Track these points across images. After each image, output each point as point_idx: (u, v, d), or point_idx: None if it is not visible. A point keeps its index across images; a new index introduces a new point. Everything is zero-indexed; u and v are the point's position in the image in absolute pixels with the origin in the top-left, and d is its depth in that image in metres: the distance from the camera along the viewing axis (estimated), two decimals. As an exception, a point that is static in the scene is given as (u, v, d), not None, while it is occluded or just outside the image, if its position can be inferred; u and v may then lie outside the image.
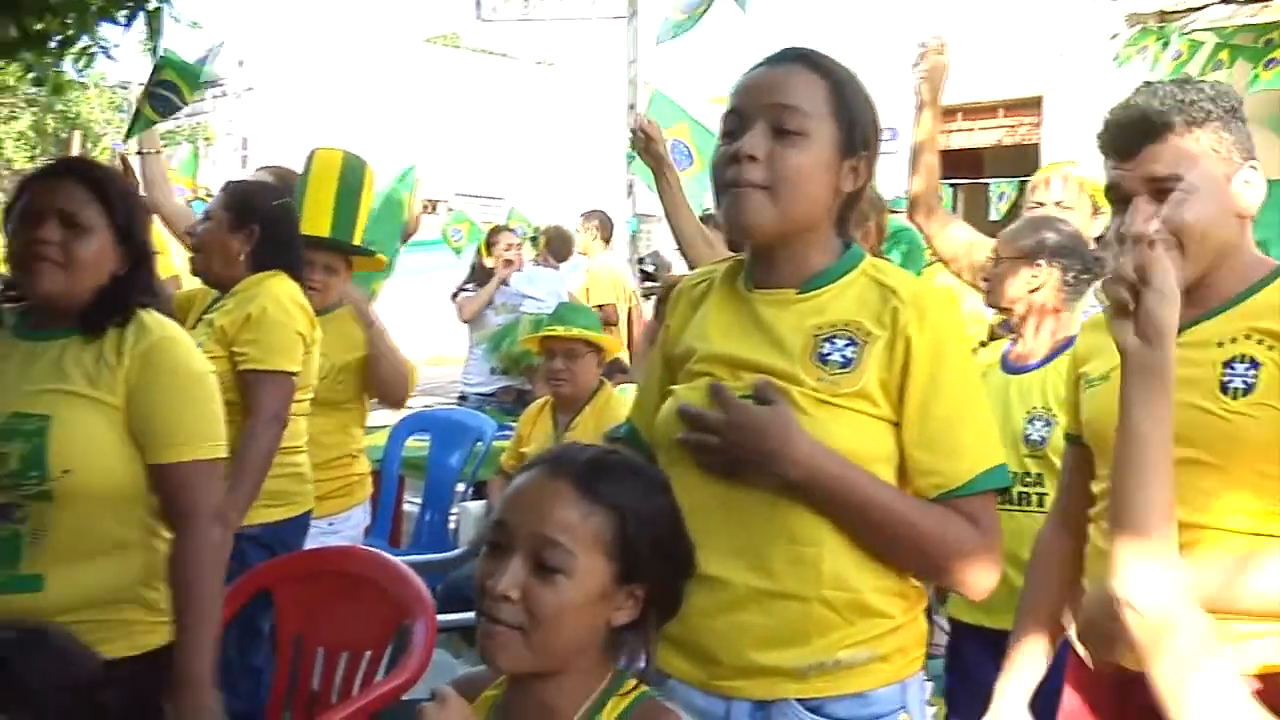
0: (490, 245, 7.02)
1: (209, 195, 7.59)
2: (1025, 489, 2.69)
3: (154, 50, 2.51)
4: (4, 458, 2.01)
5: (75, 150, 12.27)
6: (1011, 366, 2.86)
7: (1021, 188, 9.11)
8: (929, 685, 1.81)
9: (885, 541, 1.65)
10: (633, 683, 1.49)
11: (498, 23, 12.03)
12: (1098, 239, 3.15)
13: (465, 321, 6.95)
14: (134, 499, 2.14)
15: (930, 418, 1.64)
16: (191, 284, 3.86)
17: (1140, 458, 1.37)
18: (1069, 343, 2.61)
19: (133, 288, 2.19)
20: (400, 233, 5.78)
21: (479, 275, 7.02)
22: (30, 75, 2.45)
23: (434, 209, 21.20)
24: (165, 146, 8.89)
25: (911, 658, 1.72)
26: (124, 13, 2.23)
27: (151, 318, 2.19)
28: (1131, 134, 1.74)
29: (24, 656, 1.69)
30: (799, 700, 1.64)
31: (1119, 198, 1.78)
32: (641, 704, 1.46)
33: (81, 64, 2.50)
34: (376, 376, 3.73)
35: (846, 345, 1.65)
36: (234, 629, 2.89)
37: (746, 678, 1.65)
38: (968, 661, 2.83)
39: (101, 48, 2.50)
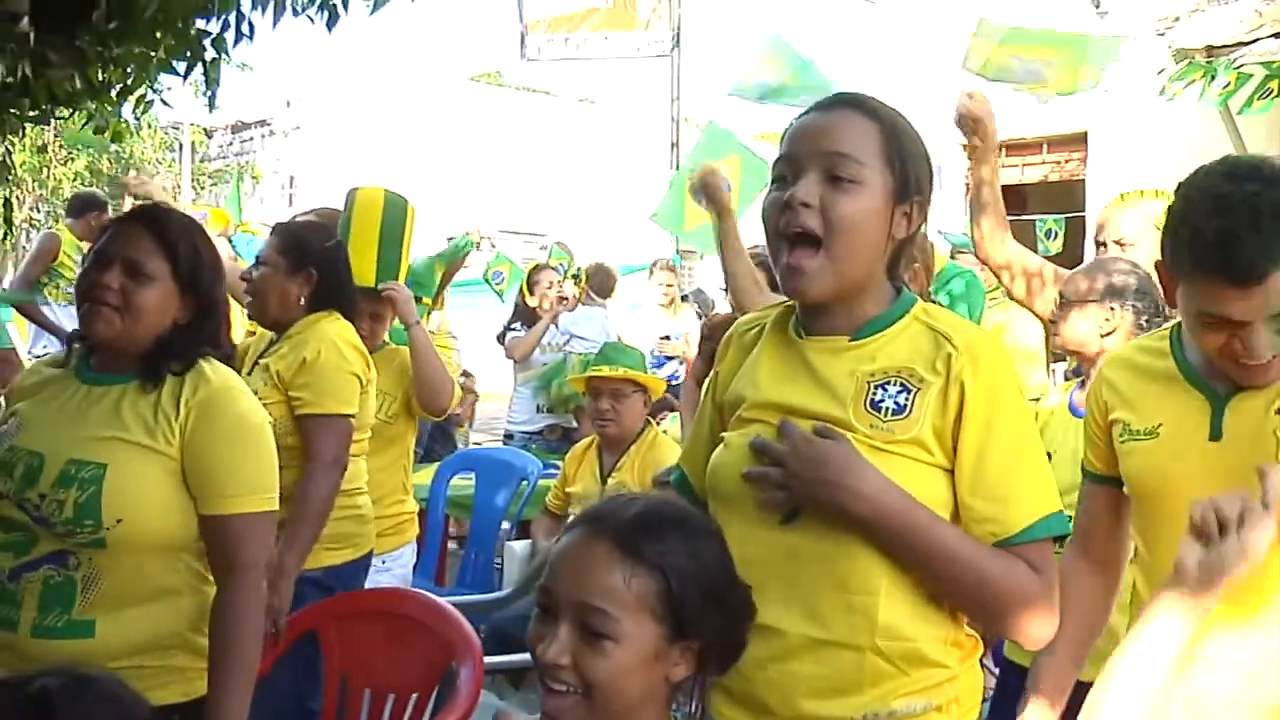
0: (532, 285, 7.02)
1: (253, 231, 7.70)
2: None
3: (211, 100, 2.56)
4: (60, 505, 2.02)
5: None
6: (1080, 411, 2.81)
7: (1068, 224, 9.08)
8: None
9: (947, 583, 1.63)
10: None
11: (541, 61, 12.18)
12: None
13: (516, 361, 6.95)
14: (185, 548, 2.15)
15: (985, 465, 1.62)
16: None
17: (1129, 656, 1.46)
18: None
19: (196, 338, 2.19)
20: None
21: (523, 314, 7.02)
22: (91, 123, 2.51)
23: (478, 246, 21.40)
24: (213, 185, 9.03)
25: (966, 708, 1.69)
26: (183, 63, 2.27)
27: (212, 368, 2.19)
28: (1252, 260, 1.66)
29: (68, 702, 1.70)
30: None
31: (1216, 322, 1.74)
32: None
33: (139, 110, 2.55)
34: (419, 377, 3.67)
35: (900, 392, 1.63)
36: (290, 671, 2.91)
37: None
38: (1013, 703, 2.79)
39: (158, 95, 2.55)
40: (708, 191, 3.30)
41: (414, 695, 2.77)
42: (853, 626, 1.61)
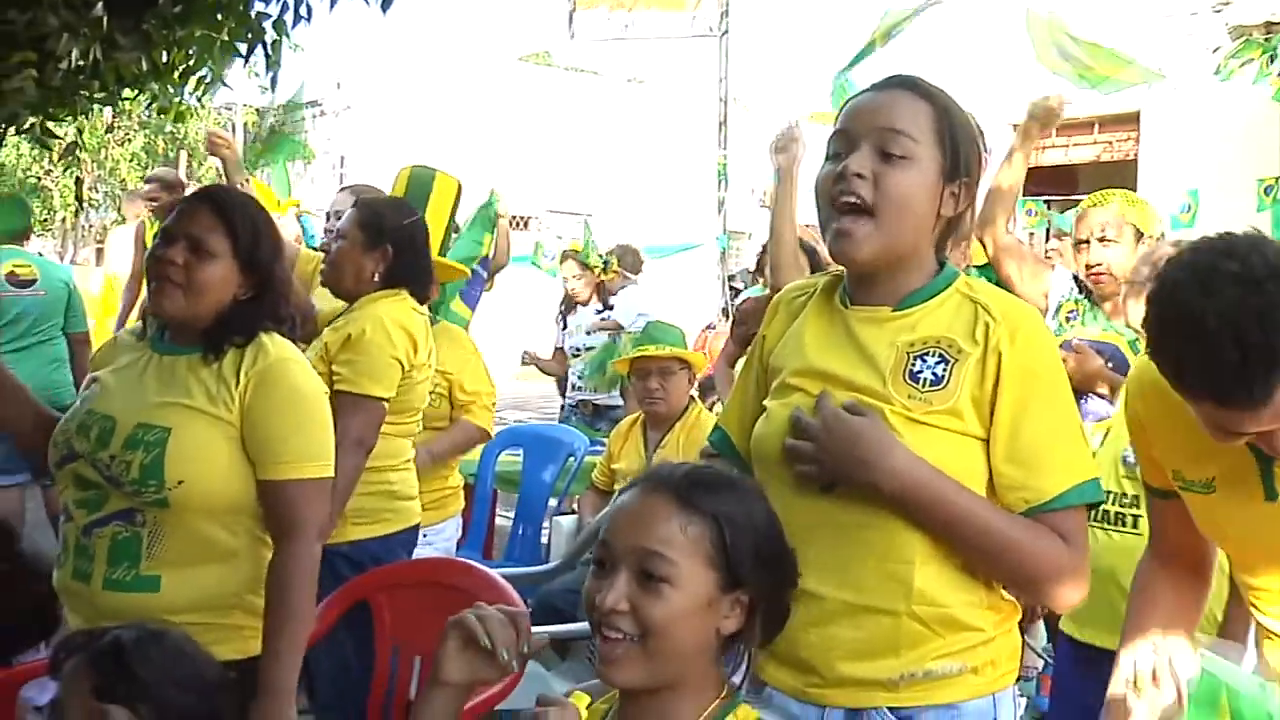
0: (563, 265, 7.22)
1: (306, 211, 7.81)
2: (1122, 509, 2.67)
3: (273, 82, 2.63)
4: (128, 465, 2.13)
5: (182, 171, 12.69)
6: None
7: (1119, 204, 8.98)
8: (1022, 701, 1.81)
9: (977, 553, 1.67)
10: (747, 708, 1.52)
11: (589, 41, 12.20)
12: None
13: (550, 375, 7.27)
14: (244, 510, 2.23)
15: (1020, 434, 1.65)
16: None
17: None
18: None
19: (257, 312, 2.27)
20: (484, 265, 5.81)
21: (567, 300, 7.18)
22: (155, 104, 2.59)
23: (525, 225, 21.46)
24: (265, 167, 9.15)
25: (1003, 671, 1.73)
26: (244, 45, 2.34)
27: (272, 340, 2.27)
28: (1250, 388, 1.49)
29: (140, 652, 1.78)
30: (890, 709, 1.67)
31: (1230, 434, 1.59)
32: None
33: (200, 92, 2.62)
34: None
35: (938, 363, 1.67)
36: (350, 640, 2.99)
37: (839, 687, 1.69)
38: (1065, 679, 2.83)
39: (219, 77, 2.62)
40: (783, 145, 3.34)
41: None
42: (889, 592, 1.66)
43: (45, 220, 23.99)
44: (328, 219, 4.66)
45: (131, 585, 2.16)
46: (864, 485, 1.64)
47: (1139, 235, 3.35)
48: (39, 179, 22.43)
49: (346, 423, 2.98)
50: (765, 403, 1.83)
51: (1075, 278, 3.61)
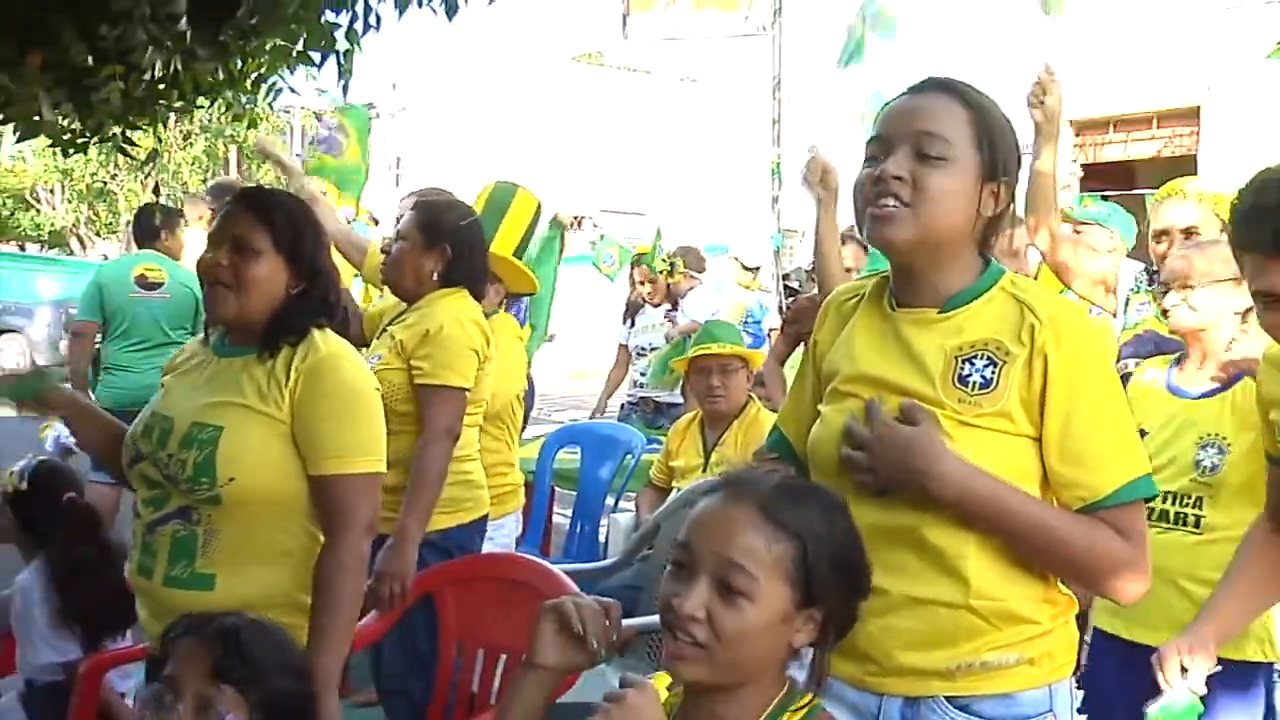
0: (633, 272, 7.24)
1: (372, 219, 7.92)
2: (1183, 509, 2.66)
3: (345, 89, 2.69)
4: (183, 464, 2.17)
5: (234, 171, 12.91)
6: (1178, 390, 2.79)
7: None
8: (1079, 694, 1.84)
9: (1035, 553, 1.70)
10: (808, 696, 1.54)
11: (641, 41, 12.20)
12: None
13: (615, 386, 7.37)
14: (296, 508, 2.26)
15: (1071, 432, 1.67)
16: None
17: None
18: (1242, 372, 2.62)
19: (305, 307, 2.30)
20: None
21: (633, 305, 7.22)
22: (229, 111, 2.66)
23: (579, 225, 21.57)
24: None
25: (1060, 663, 1.75)
26: (316, 54, 2.40)
27: (322, 336, 2.30)
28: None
29: (255, 640, 1.86)
30: (947, 698, 1.70)
31: (1269, 300, 1.86)
32: (815, 717, 1.52)
33: (269, 98, 2.69)
34: None
35: (986, 366, 1.69)
36: (416, 633, 3.07)
37: (897, 676, 1.72)
38: (1097, 673, 2.81)
39: (286, 83, 2.70)
40: (818, 176, 3.38)
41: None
42: (947, 587, 1.69)
43: (110, 224, 24.51)
44: (396, 223, 4.76)
45: (188, 583, 2.20)
46: (916, 491, 1.67)
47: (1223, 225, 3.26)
48: (105, 183, 22.92)
49: (433, 414, 3.11)
50: (820, 408, 1.85)
51: (1146, 268, 3.58)
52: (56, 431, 7.57)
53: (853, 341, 1.84)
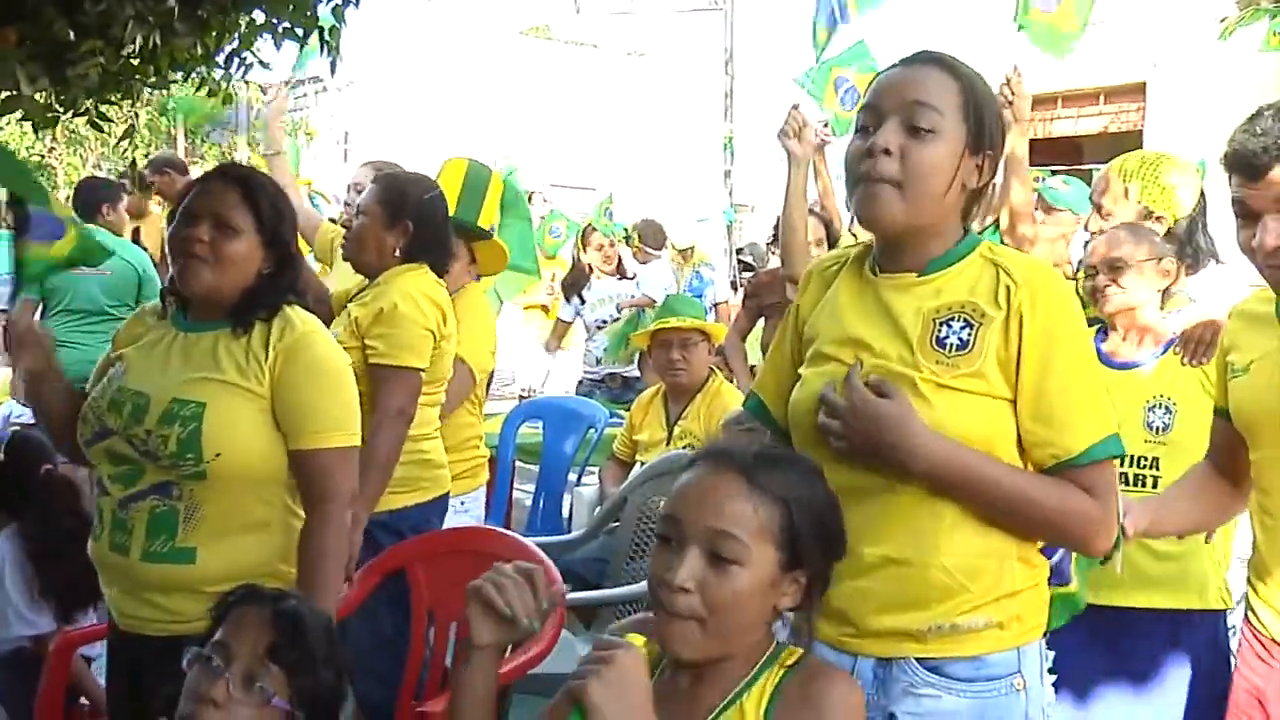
0: (585, 242, 7.12)
1: (316, 191, 7.82)
2: (1141, 471, 2.75)
3: (333, 66, 2.67)
4: (164, 439, 2.18)
5: (180, 147, 12.70)
6: (1109, 360, 2.86)
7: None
8: (1051, 655, 1.90)
9: (1006, 516, 1.75)
10: (796, 651, 1.59)
11: (589, 15, 12.21)
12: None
13: (548, 349, 7.23)
14: (276, 481, 2.30)
15: (1045, 393, 1.72)
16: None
17: None
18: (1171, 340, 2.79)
19: (279, 287, 2.34)
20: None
21: (579, 275, 7.07)
22: (203, 87, 2.64)
23: (529, 200, 21.46)
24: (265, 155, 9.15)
25: (1029, 626, 1.80)
26: (300, 30, 2.39)
27: (296, 314, 2.34)
28: (1261, 157, 1.89)
29: (313, 627, 1.84)
30: (918, 660, 1.75)
31: (1245, 213, 1.95)
32: (805, 665, 1.57)
33: (242, 74, 2.67)
34: None
35: (963, 328, 1.74)
36: (386, 608, 3.05)
37: (871, 637, 1.77)
38: (1065, 641, 2.88)
39: (257, 58, 2.67)
40: (796, 128, 3.41)
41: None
42: (919, 549, 1.74)
43: (49, 198, 23.94)
44: (348, 192, 4.71)
45: (168, 557, 2.22)
46: (890, 463, 1.71)
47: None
48: (43, 157, 22.43)
49: (386, 394, 3.06)
50: (801, 370, 1.89)
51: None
52: (7, 410, 7.47)
53: (835, 305, 1.89)
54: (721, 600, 1.48)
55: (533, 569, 1.55)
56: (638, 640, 1.44)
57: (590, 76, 21.46)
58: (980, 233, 1.95)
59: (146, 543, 2.23)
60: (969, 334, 1.73)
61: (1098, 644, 2.68)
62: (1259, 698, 2.05)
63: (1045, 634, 1.85)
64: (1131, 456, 2.73)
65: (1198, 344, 2.75)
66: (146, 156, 10.29)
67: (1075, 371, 1.74)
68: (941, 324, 1.75)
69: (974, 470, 1.71)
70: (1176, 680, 2.70)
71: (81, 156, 21.26)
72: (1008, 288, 1.73)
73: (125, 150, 19.50)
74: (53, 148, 21.42)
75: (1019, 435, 1.75)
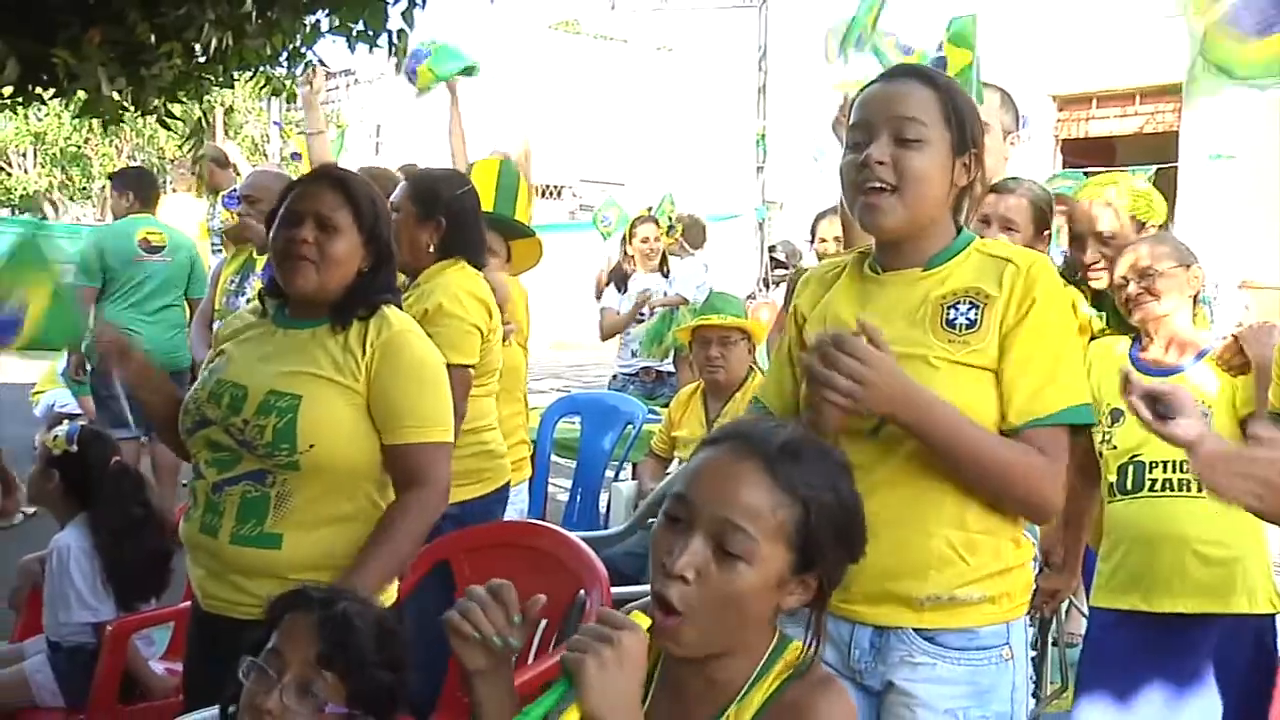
0: (632, 235, 7.04)
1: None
2: (1186, 475, 2.76)
3: (398, 68, 2.72)
4: (261, 429, 2.25)
5: (219, 138, 12.78)
6: (1157, 370, 2.84)
7: (1157, 175, 8.96)
8: (1032, 631, 1.99)
9: (974, 473, 1.80)
10: (799, 647, 1.50)
11: (622, 10, 12.23)
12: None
13: (604, 340, 7.02)
14: (366, 476, 2.36)
15: (1022, 356, 1.82)
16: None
17: None
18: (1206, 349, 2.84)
19: (377, 284, 2.40)
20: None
21: (620, 271, 7.01)
22: (268, 86, 2.68)
23: (558, 194, 21.50)
24: (300, 134, 9.22)
25: (1017, 602, 1.91)
26: (371, 33, 2.43)
27: (393, 313, 2.41)
28: None
29: (365, 629, 1.83)
30: (915, 629, 1.84)
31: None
32: (804, 677, 1.48)
33: (300, 72, 2.71)
34: None
35: (970, 309, 1.85)
36: (432, 601, 3.08)
37: (870, 604, 1.84)
38: (1112, 650, 2.86)
39: (319, 59, 2.72)
40: (847, 119, 3.45)
41: (543, 622, 2.91)
42: (922, 518, 1.82)
43: (84, 188, 24.24)
44: (239, 203, 4.79)
45: (255, 541, 2.28)
46: (900, 407, 1.74)
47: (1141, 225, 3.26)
48: (79, 147, 22.66)
49: None
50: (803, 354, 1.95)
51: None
52: (52, 399, 7.58)
53: (836, 302, 1.99)
54: (720, 595, 1.39)
55: (502, 585, 1.45)
56: (644, 622, 1.36)
57: (620, 71, 21.48)
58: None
59: (236, 525, 2.29)
60: (976, 314, 1.85)
61: (1146, 647, 2.71)
62: None
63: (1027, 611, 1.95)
64: (1178, 463, 2.75)
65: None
66: (180, 148, 10.39)
67: (1052, 341, 1.85)
68: (949, 307, 1.87)
69: (944, 419, 1.77)
70: (1223, 683, 2.73)
71: (117, 147, 21.47)
72: (1011, 270, 1.86)
73: (150, 138, 19.66)
74: (89, 138, 21.64)
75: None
